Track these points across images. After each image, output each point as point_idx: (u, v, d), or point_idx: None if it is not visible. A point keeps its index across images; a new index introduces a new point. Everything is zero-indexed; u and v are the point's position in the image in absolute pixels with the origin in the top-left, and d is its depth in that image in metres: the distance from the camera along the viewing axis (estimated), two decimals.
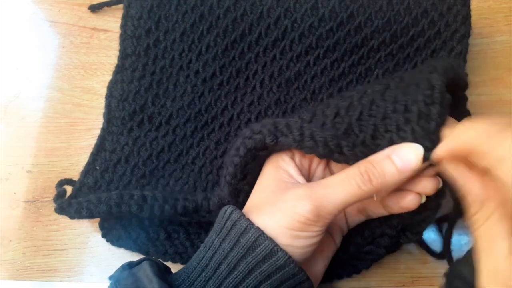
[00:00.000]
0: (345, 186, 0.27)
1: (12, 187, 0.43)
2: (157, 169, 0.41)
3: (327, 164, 0.32)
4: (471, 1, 0.41)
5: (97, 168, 0.41)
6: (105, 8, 0.48)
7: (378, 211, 0.32)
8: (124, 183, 0.40)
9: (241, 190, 0.33)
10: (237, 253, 0.27)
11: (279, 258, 0.26)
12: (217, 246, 0.28)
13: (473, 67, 0.44)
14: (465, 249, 0.38)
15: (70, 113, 0.45)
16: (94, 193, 0.39)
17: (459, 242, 0.39)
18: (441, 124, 0.25)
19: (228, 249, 0.27)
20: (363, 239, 0.35)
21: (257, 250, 0.27)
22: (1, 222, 0.42)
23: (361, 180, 0.26)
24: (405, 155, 0.26)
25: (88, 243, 0.41)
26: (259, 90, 0.42)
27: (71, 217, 0.37)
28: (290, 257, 0.27)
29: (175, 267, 0.39)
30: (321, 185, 0.28)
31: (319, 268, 0.32)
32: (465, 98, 0.35)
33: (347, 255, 0.36)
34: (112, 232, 0.40)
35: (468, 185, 0.23)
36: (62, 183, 0.40)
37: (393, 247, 0.33)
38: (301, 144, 0.28)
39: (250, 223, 0.27)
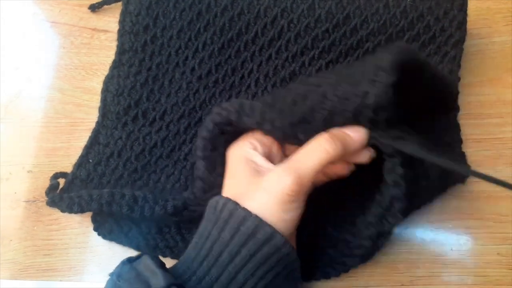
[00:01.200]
0: (316, 153, 0.29)
1: (12, 187, 0.43)
2: (149, 164, 0.41)
3: (283, 150, 0.35)
4: (470, 2, 0.41)
5: (90, 161, 0.41)
6: (106, 8, 0.48)
7: (319, 178, 0.34)
8: (116, 177, 0.40)
9: (215, 161, 0.34)
10: (238, 240, 0.28)
11: (277, 240, 0.28)
12: (216, 236, 0.29)
13: (471, 68, 0.44)
14: (465, 248, 0.39)
15: (71, 113, 0.45)
16: (86, 186, 0.40)
17: (458, 242, 0.39)
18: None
19: (229, 238, 0.28)
20: (351, 235, 0.35)
21: (257, 236, 0.28)
22: (2, 222, 0.42)
23: (329, 144, 0.29)
24: (357, 130, 0.30)
25: (89, 243, 0.41)
26: (254, 89, 0.43)
27: (63, 211, 0.37)
28: (286, 238, 0.28)
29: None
30: (294, 160, 0.30)
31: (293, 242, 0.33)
32: (457, 109, 0.36)
33: (337, 253, 0.36)
34: (104, 225, 0.40)
35: None
36: (56, 176, 0.41)
37: (379, 239, 0.33)
38: (261, 126, 0.31)
39: (248, 212, 0.28)
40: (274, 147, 0.34)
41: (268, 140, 0.33)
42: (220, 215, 0.29)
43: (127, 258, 0.31)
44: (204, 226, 0.31)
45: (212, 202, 0.31)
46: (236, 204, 0.29)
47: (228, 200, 0.30)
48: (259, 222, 0.28)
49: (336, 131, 0.30)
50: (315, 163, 0.29)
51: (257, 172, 0.31)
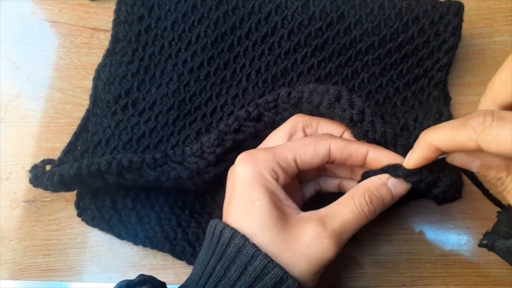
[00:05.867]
0: (355, 216, 0.28)
1: (12, 186, 0.43)
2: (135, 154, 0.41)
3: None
4: (471, 1, 0.41)
5: (78, 148, 0.41)
6: (106, 8, 0.48)
7: (331, 187, 0.34)
8: None
9: (224, 141, 0.34)
10: (245, 282, 0.26)
11: (289, 286, 0.26)
12: (221, 274, 0.27)
13: (472, 67, 0.44)
14: (466, 249, 0.39)
15: (71, 113, 0.45)
16: None
17: (459, 242, 0.39)
18: None
19: (235, 278, 0.27)
20: None
21: (265, 279, 0.26)
22: (2, 222, 0.42)
23: (368, 209, 0.28)
24: (400, 186, 0.29)
25: (88, 243, 0.41)
26: (244, 84, 0.43)
27: (45, 188, 0.37)
28: (299, 283, 0.26)
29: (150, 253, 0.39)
30: (332, 217, 0.28)
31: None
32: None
33: None
34: (87, 212, 0.40)
35: (488, 162, 0.25)
36: (44, 162, 0.40)
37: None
38: (353, 124, 0.30)
39: (258, 249, 0.26)
40: (291, 178, 0.30)
41: (290, 166, 0.29)
42: (226, 250, 0.27)
43: (125, 283, 0.29)
44: (206, 258, 0.28)
45: (214, 229, 0.28)
46: (246, 239, 0.27)
47: (235, 232, 0.27)
48: (268, 262, 0.26)
49: (379, 184, 0.29)
50: (354, 226, 0.28)
51: (281, 211, 0.28)
